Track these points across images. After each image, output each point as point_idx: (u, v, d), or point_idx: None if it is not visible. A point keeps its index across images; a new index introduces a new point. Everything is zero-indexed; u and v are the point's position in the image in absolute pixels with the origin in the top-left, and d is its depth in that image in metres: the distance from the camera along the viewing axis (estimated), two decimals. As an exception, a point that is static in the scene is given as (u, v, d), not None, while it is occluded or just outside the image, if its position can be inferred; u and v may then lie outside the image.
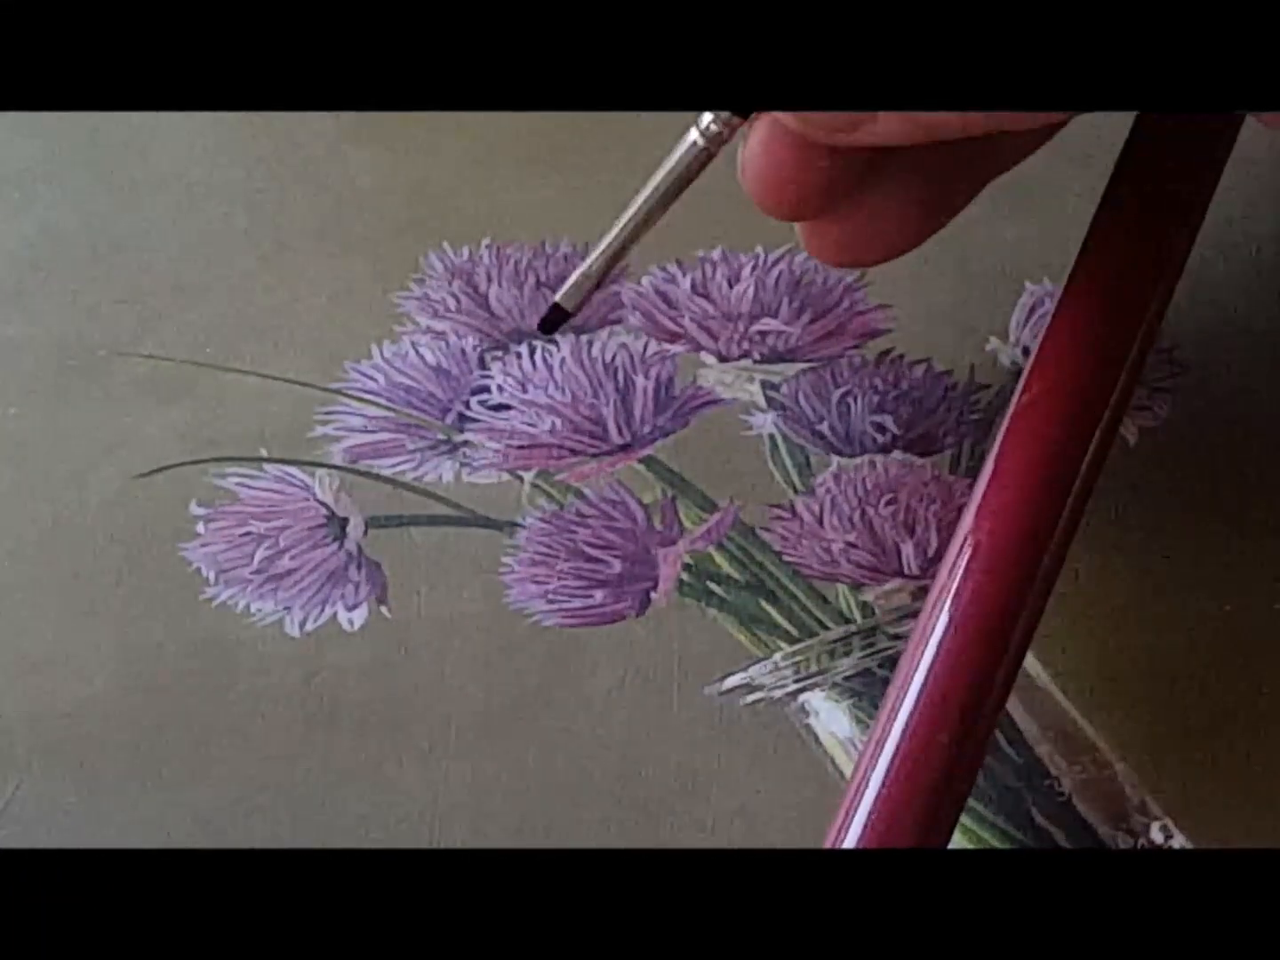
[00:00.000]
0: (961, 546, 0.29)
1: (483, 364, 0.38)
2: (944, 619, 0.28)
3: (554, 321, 0.33)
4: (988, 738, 0.28)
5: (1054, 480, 0.29)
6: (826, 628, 0.34)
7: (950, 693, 0.27)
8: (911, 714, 0.27)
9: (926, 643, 0.28)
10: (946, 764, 0.27)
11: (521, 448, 0.37)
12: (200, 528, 0.36)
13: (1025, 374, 0.30)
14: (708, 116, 0.30)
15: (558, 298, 0.32)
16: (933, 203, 0.32)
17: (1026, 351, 0.38)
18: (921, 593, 0.34)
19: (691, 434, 0.37)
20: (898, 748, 0.27)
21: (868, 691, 0.34)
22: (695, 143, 0.30)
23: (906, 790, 0.27)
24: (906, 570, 0.35)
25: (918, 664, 0.28)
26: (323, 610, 0.35)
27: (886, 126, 0.28)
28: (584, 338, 0.38)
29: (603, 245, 0.31)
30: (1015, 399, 0.30)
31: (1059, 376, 0.30)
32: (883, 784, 0.27)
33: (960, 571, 0.28)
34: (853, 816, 0.27)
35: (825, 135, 0.29)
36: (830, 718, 0.33)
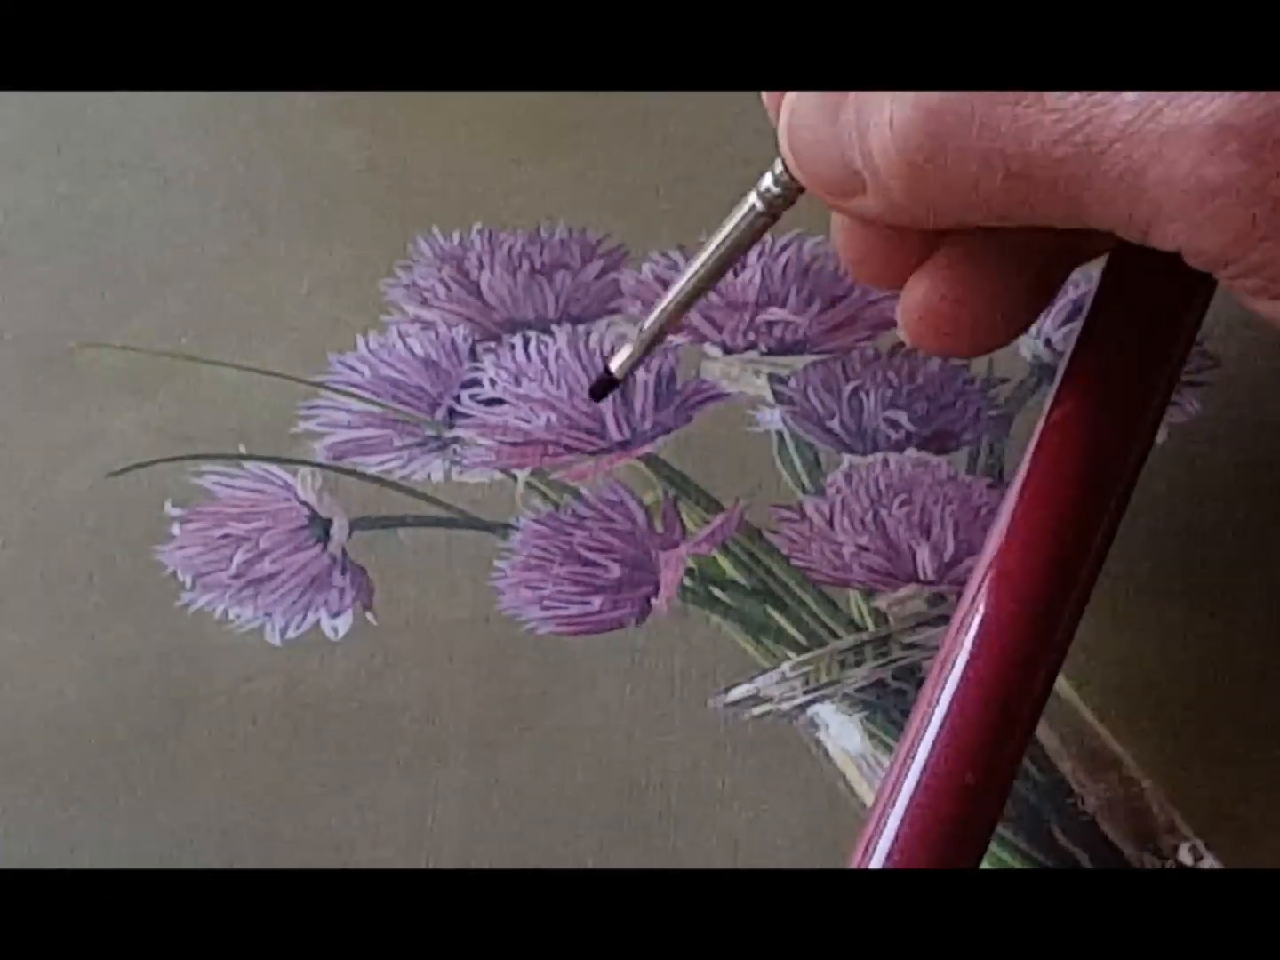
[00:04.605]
0: (986, 571, 0.29)
1: (474, 356, 0.38)
2: (968, 649, 0.28)
3: (604, 389, 0.34)
4: (1013, 776, 0.28)
5: (1086, 504, 0.29)
6: (837, 636, 0.34)
7: (975, 730, 0.27)
8: (932, 752, 0.27)
9: (949, 675, 0.28)
10: (970, 806, 0.27)
11: (515, 445, 0.37)
12: (176, 529, 0.36)
13: (1056, 386, 0.30)
14: (767, 179, 0.30)
15: (613, 367, 0.33)
16: (1034, 286, 0.31)
17: (1049, 343, 0.38)
18: (938, 599, 0.34)
19: (694, 430, 0.37)
20: (917, 786, 0.27)
21: (880, 704, 0.34)
22: (754, 206, 0.31)
23: (927, 834, 0.27)
24: (921, 575, 0.35)
25: (939, 697, 0.28)
26: (305, 617, 0.35)
27: (866, 202, 0.28)
28: (581, 328, 0.38)
29: (660, 307, 0.32)
30: (1046, 412, 0.30)
31: (1092, 392, 0.30)
32: (901, 824, 0.27)
33: (986, 599, 0.28)
34: (870, 858, 0.27)
35: (827, 199, 0.29)
36: (841, 731, 0.33)
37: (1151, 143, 0.24)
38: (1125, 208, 0.25)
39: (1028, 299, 0.31)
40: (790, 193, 0.30)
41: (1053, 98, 0.25)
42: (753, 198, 0.31)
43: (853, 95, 0.28)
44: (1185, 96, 0.24)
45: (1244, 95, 0.24)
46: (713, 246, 0.32)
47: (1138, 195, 0.25)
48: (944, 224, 0.28)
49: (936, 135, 0.26)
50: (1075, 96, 0.25)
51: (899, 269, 0.31)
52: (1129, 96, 0.24)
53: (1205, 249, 0.25)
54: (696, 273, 0.32)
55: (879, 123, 0.27)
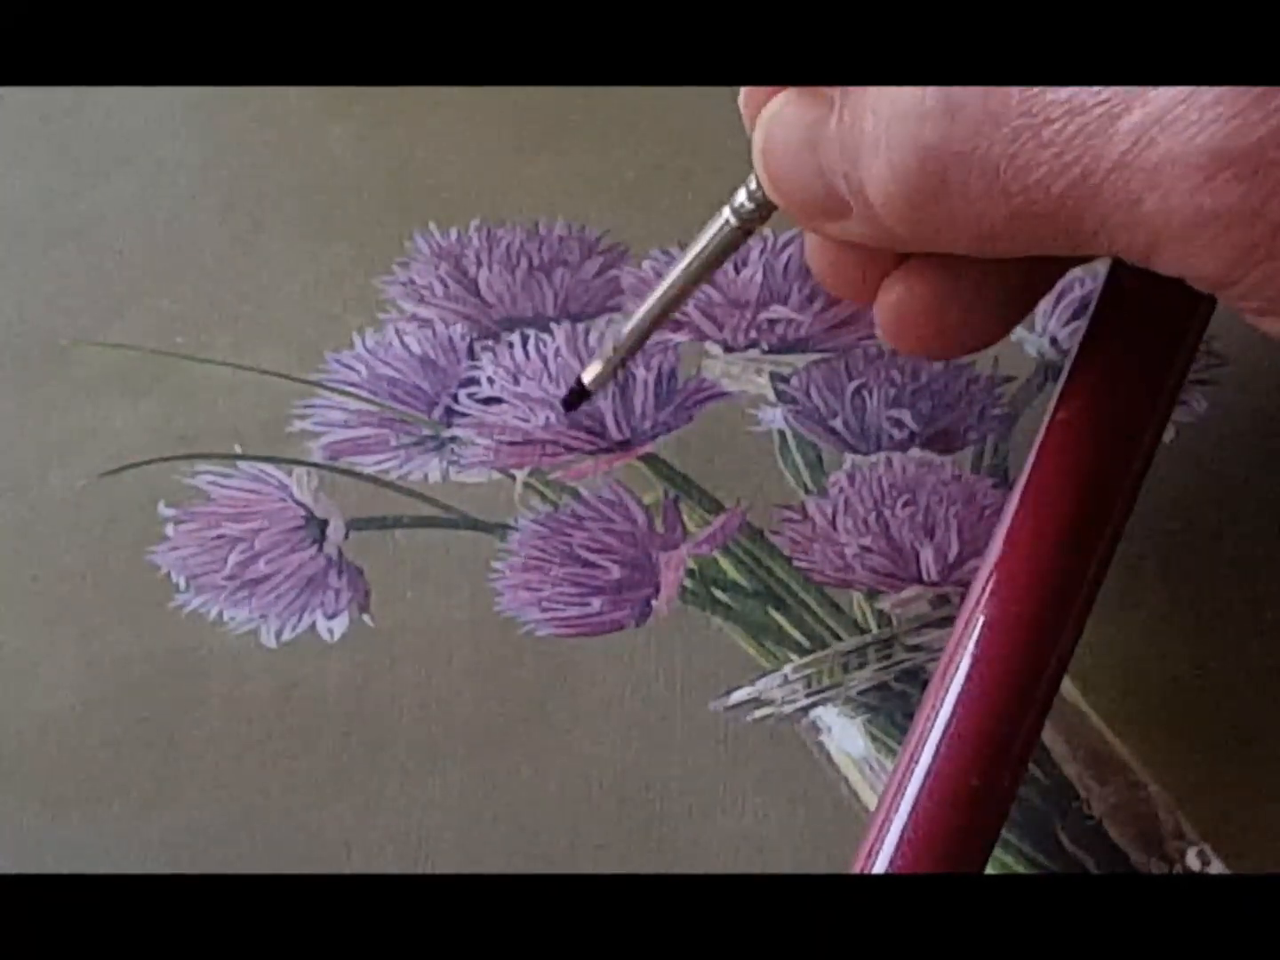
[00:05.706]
0: (991, 573, 0.29)
1: (472, 354, 0.38)
2: (972, 651, 0.28)
3: (576, 400, 0.35)
4: (1018, 780, 0.28)
5: (1092, 504, 0.29)
6: (840, 638, 0.34)
7: (979, 734, 0.27)
8: (936, 756, 0.27)
9: (953, 677, 0.28)
10: (975, 810, 0.27)
11: (513, 444, 0.37)
12: (170, 530, 0.36)
13: (1061, 384, 0.30)
14: (741, 194, 0.31)
15: (585, 379, 0.34)
16: (1020, 287, 0.31)
17: (1054, 341, 0.38)
18: (941, 601, 0.34)
19: (695, 430, 0.37)
20: (921, 790, 0.27)
21: (883, 707, 0.33)
22: (728, 221, 0.31)
23: (931, 838, 0.27)
24: (925, 576, 0.35)
25: (943, 700, 0.28)
26: (301, 619, 0.35)
27: (850, 227, 0.29)
28: (580, 326, 0.38)
29: (633, 321, 0.33)
30: (1051, 411, 0.30)
31: (1098, 391, 0.30)
32: (905, 828, 0.27)
33: (990, 601, 0.28)
34: (873, 863, 0.27)
35: (805, 222, 0.30)
36: (843, 735, 0.33)
37: (1147, 172, 0.24)
38: (1125, 237, 0.25)
39: (1013, 299, 0.31)
40: (765, 209, 0.31)
41: (1048, 131, 0.25)
42: (726, 213, 0.31)
43: (833, 121, 0.28)
44: (1179, 124, 0.24)
45: (1237, 120, 0.24)
46: (687, 261, 0.32)
47: (1136, 224, 0.25)
48: (943, 251, 0.28)
49: (937, 176, 0.26)
50: (1071, 128, 0.25)
51: (873, 279, 0.31)
52: (1124, 126, 0.24)
53: (1205, 274, 0.25)
54: (671, 287, 0.33)
55: (875, 164, 0.27)
